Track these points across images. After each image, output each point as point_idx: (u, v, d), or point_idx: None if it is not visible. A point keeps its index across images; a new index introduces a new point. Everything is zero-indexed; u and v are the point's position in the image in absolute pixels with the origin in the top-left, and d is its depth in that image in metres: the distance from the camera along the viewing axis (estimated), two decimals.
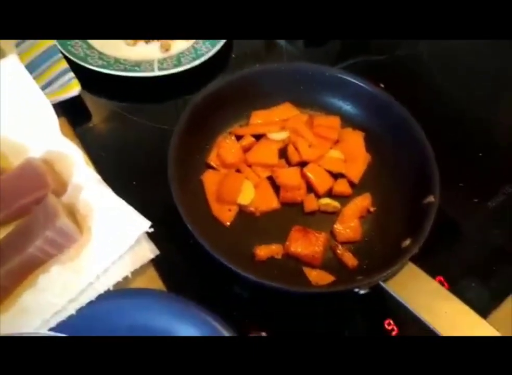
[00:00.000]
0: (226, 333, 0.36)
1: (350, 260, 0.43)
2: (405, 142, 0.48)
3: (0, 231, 0.42)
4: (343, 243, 0.45)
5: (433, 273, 0.44)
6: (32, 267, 0.40)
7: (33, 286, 0.39)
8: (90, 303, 0.38)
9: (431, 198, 0.42)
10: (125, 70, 0.54)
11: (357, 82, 0.51)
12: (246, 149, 0.50)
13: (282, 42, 0.67)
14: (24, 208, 0.42)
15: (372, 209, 0.47)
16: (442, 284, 0.44)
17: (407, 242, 0.41)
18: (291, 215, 0.47)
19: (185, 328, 0.37)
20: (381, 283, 0.39)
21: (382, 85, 0.60)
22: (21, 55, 0.55)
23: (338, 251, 0.44)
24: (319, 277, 0.42)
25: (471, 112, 0.60)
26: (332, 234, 0.46)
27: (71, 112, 0.54)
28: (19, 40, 0.57)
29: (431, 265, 0.44)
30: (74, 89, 0.51)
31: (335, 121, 0.53)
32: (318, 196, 0.48)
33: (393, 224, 0.45)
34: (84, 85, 0.55)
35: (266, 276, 0.41)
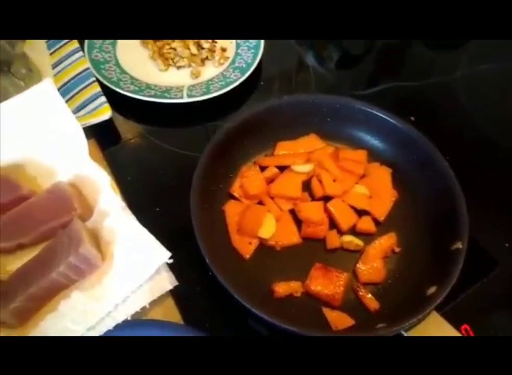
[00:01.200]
0: None
1: (372, 303, 0.42)
2: (433, 182, 0.47)
3: (26, 253, 0.43)
4: (365, 284, 0.44)
5: (459, 321, 0.42)
6: (54, 292, 0.41)
7: (53, 310, 0.40)
8: (107, 332, 0.38)
9: (459, 245, 0.40)
10: (155, 95, 0.55)
11: (385, 117, 0.50)
12: (269, 181, 0.50)
13: (313, 63, 0.67)
14: (50, 231, 0.43)
15: (397, 250, 0.46)
16: (468, 332, 0.43)
17: (433, 289, 0.39)
18: (312, 251, 0.46)
19: None
20: (402, 332, 0.38)
21: (412, 118, 0.59)
22: (56, 77, 0.58)
23: (360, 293, 0.43)
24: (338, 320, 0.41)
25: (505, 147, 0.58)
26: (354, 274, 0.44)
27: (100, 134, 0.55)
28: (55, 62, 0.59)
29: (457, 311, 0.43)
30: (105, 113, 0.53)
31: (361, 155, 0.52)
32: (341, 233, 0.47)
33: (418, 267, 0.43)
34: (116, 108, 0.57)
35: (283, 315, 0.40)
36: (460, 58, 0.69)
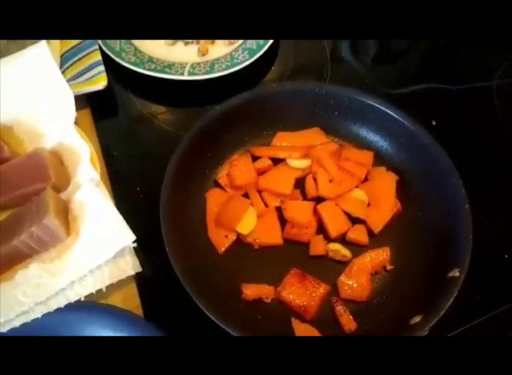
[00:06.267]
0: None
1: (348, 322, 0.37)
2: (442, 198, 0.41)
3: None
4: (345, 300, 0.39)
5: None
6: (14, 259, 0.39)
7: (10, 279, 0.38)
8: (57, 310, 0.36)
9: (455, 272, 0.35)
10: (155, 70, 0.52)
11: (398, 118, 0.45)
12: (260, 172, 0.46)
13: (347, 56, 0.62)
14: (23, 197, 0.42)
15: (389, 267, 0.41)
16: None
17: (417, 319, 0.34)
18: (293, 255, 0.42)
19: None
20: None
21: (434, 122, 0.53)
22: (63, 42, 0.56)
23: (337, 309, 0.38)
24: (306, 334, 0.36)
25: None
26: (335, 287, 0.40)
27: (97, 105, 0.53)
28: None
29: None
30: (101, 83, 0.50)
31: (367, 156, 0.46)
32: (329, 239, 0.42)
33: (408, 291, 0.38)
34: (118, 80, 0.55)
35: (247, 320, 0.36)
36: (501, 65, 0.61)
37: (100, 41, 0.54)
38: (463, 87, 0.59)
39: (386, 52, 0.66)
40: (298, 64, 0.59)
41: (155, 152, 0.50)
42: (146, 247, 0.40)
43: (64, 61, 0.54)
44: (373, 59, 0.63)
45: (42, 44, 0.48)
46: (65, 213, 0.41)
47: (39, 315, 0.36)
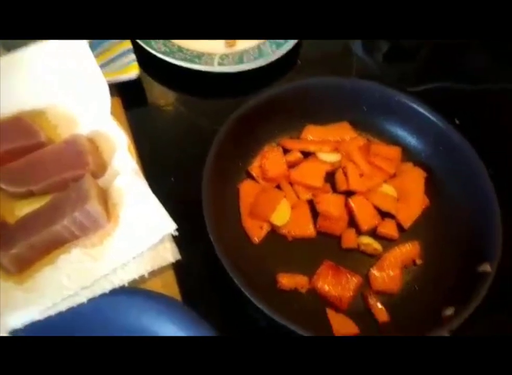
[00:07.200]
0: None
1: (381, 314, 0.39)
2: (470, 194, 0.43)
3: (37, 200, 0.42)
4: (377, 292, 0.41)
5: None
6: (55, 244, 0.40)
7: (51, 264, 0.39)
8: (102, 295, 0.37)
9: (486, 267, 0.37)
10: (185, 59, 0.52)
11: (427, 114, 0.46)
12: (291, 165, 0.47)
13: (359, 52, 0.63)
14: (61, 182, 0.42)
15: (418, 261, 0.42)
16: None
17: (450, 311, 0.36)
18: (325, 247, 0.43)
19: None
20: None
21: (457, 121, 0.54)
22: None
23: (370, 301, 0.40)
24: (342, 325, 0.38)
25: None
26: (367, 279, 0.41)
27: (126, 94, 0.53)
28: None
29: None
30: (133, 72, 0.51)
31: (395, 152, 0.48)
32: (359, 233, 0.44)
33: (439, 284, 0.40)
34: (146, 69, 0.55)
35: (284, 309, 0.37)
36: None
37: None
38: (480, 88, 0.60)
39: (398, 49, 0.67)
40: (320, 58, 0.60)
41: (187, 143, 0.51)
42: (183, 235, 0.41)
43: (92, 48, 0.54)
44: (385, 56, 0.64)
45: None
46: (103, 199, 0.42)
47: (84, 300, 0.37)
